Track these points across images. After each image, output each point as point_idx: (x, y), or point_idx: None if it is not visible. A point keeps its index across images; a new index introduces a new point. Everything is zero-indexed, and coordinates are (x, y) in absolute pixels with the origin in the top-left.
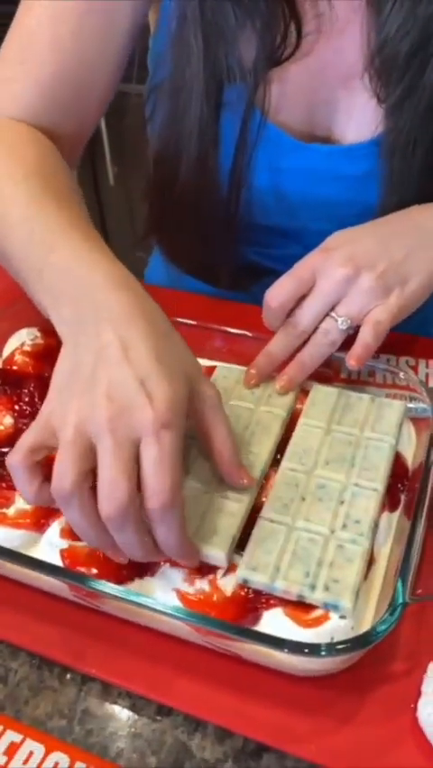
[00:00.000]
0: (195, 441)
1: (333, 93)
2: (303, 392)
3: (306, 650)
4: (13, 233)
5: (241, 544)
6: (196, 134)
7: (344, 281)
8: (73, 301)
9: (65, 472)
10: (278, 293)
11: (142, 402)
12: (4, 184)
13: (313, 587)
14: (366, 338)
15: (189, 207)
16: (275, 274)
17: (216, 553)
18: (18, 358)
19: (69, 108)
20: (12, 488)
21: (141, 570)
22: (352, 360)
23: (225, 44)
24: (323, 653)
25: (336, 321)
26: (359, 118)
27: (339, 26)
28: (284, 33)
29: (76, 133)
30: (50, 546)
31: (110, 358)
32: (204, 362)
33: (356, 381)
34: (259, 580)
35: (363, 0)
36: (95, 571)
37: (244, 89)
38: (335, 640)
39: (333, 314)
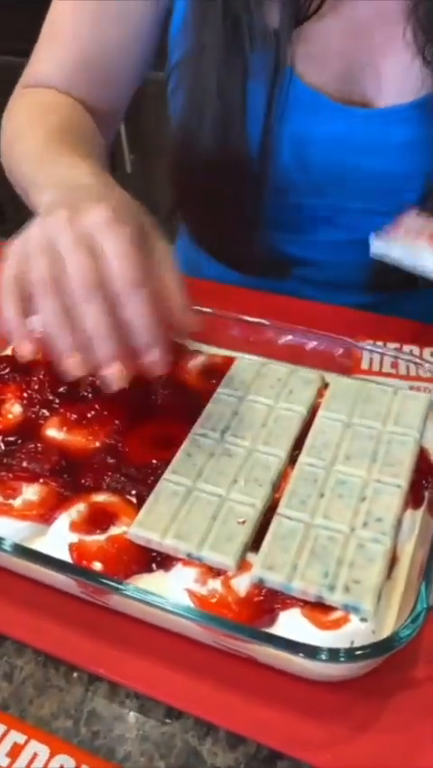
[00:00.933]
0: (206, 442)
1: (370, 54)
2: (324, 387)
3: (324, 655)
4: (29, 160)
5: (257, 540)
6: (218, 104)
7: None
8: (56, 188)
9: (38, 266)
10: None
11: (96, 205)
12: (35, 128)
13: (332, 588)
14: None
15: (215, 185)
16: (304, 264)
17: (225, 560)
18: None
19: (92, 91)
20: (18, 478)
21: (152, 563)
22: None
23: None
24: (342, 658)
25: None
26: (400, 81)
27: None
28: None
29: (102, 116)
30: (57, 539)
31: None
32: (222, 352)
33: (378, 373)
34: (275, 579)
35: None
36: (99, 566)
37: (271, 54)
38: (355, 644)
39: None
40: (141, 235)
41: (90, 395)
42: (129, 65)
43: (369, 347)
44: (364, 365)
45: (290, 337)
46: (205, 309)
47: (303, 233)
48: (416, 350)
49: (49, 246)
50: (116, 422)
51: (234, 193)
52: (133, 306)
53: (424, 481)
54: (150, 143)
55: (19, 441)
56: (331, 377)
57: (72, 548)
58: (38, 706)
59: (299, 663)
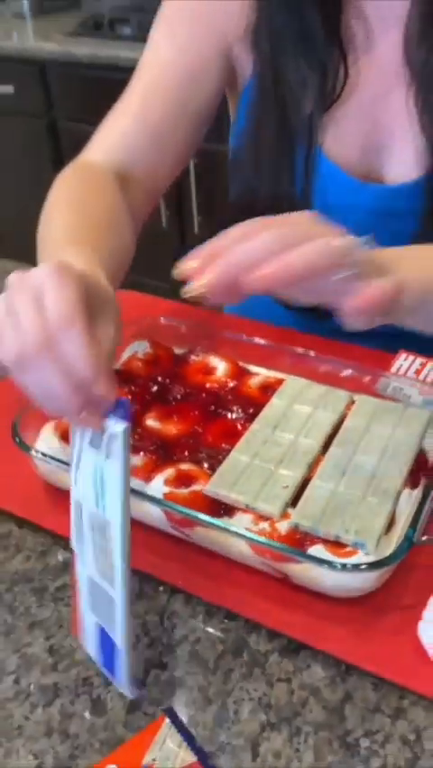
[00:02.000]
0: (261, 434)
1: (382, 137)
2: (352, 403)
3: (338, 565)
4: (44, 243)
5: (294, 501)
6: (271, 170)
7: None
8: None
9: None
10: None
11: (39, 270)
12: (63, 215)
13: (347, 531)
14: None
15: None
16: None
17: (272, 509)
18: (133, 363)
19: (148, 158)
20: (133, 449)
21: (220, 511)
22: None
23: (290, 92)
24: (349, 568)
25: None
26: (407, 161)
27: (383, 69)
28: (335, 75)
29: (152, 181)
30: (155, 491)
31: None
32: (276, 374)
33: (389, 398)
34: (306, 524)
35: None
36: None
37: (306, 135)
38: None
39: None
40: (86, 289)
41: (179, 397)
42: (183, 140)
43: (382, 374)
44: (378, 387)
45: (328, 366)
46: (268, 342)
47: None
48: None
49: (7, 310)
50: (196, 418)
51: None
52: (72, 346)
53: (420, 471)
54: (216, 208)
55: None
56: (357, 396)
57: (165, 496)
58: (136, 606)
59: (320, 579)
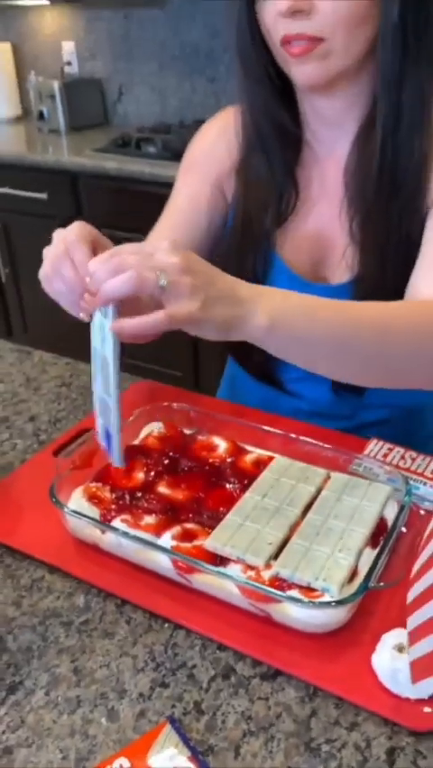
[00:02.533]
0: (252, 501)
1: (325, 245)
2: (328, 478)
3: (309, 604)
4: None
5: (276, 555)
6: (237, 267)
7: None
8: None
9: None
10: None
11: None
12: None
13: (317, 578)
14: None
15: None
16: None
17: (258, 561)
18: (150, 440)
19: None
20: (144, 511)
21: (216, 561)
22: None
23: (255, 210)
24: (316, 605)
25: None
26: (344, 263)
27: (326, 194)
28: (288, 199)
29: None
30: (164, 544)
31: None
32: (267, 453)
33: (358, 474)
34: (285, 573)
35: (343, 178)
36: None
37: (265, 243)
38: None
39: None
40: (93, 234)
41: (186, 468)
42: (207, 240)
43: (355, 456)
44: (353, 467)
45: (311, 447)
46: (263, 426)
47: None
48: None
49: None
50: (200, 487)
51: None
52: (76, 251)
53: (380, 534)
54: None
55: (140, 493)
56: (333, 473)
57: (173, 548)
58: (145, 638)
59: (294, 616)
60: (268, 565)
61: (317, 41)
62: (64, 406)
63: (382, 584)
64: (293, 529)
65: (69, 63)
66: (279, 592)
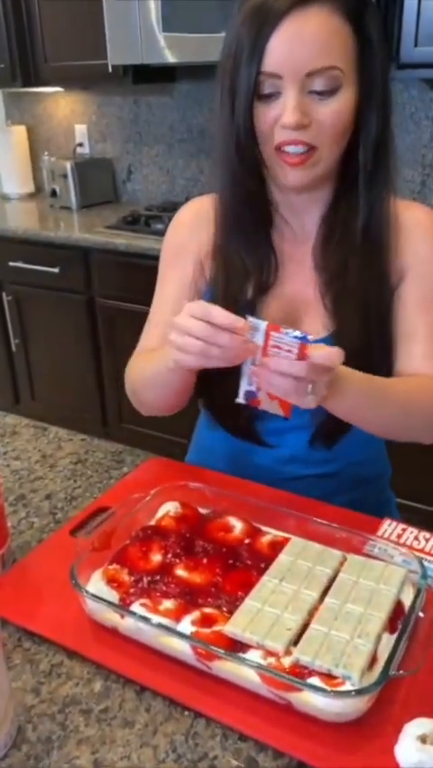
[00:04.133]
0: (270, 584)
1: (300, 311)
2: (344, 560)
3: (330, 694)
4: (148, 359)
5: (296, 640)
6: None
7: None
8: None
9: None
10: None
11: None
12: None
13: (337, 665)
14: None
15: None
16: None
17: (278, 647)
18: (166, 520)
19: None
20: (162, 595)
21: (236, 646)
22: None
23: (237, 282)
24: (337, 695)
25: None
26: (318, 324)
27: (303, 267)
28: (268, 272)
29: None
30: (183, 630)
31: None
32: (283, 534)
33: (373, 556)
34: (306, 659)
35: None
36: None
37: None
38: None
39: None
40: None
41: (203, 551)
42: None
43: (369, 538)
44: (368, 548)
45: (326, 528)
46: (278, 508)
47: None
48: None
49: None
50: (217, 570)
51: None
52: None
53: (397, 619)
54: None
55: (159, 576)
56: (349, 555)
57: (192, 634)
58: (165, 726)
59: (316, 704)
60: (288, 651)
61: (312, 150)
62: (80, 483)
63: (402, 672)
64: (312, 613)
65: (80, 144)
66: (299, 680)
